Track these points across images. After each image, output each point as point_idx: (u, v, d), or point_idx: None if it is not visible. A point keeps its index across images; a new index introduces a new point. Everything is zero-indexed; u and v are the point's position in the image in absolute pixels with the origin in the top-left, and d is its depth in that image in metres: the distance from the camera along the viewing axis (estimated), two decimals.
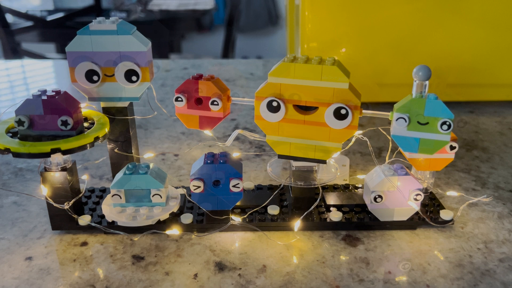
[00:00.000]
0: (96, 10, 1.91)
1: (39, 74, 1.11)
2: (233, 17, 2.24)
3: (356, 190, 0.50)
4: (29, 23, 1.96)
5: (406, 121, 0.39)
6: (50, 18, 1.96)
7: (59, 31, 2.01)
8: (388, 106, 0.77)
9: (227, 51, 2.28)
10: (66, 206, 0.43)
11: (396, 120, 0.40)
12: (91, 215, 0.46)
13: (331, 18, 0.72)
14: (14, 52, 1.92)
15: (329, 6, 0.72)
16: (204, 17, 2.83)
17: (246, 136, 0.61)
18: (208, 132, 0.57)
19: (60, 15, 1.97)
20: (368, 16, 0.72)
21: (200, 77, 0.44)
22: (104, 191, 0.50)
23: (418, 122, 0.39)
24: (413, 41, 0.74)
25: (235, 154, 0.47)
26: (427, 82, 0.40)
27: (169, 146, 0.65)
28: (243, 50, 3.45)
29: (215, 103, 0.43)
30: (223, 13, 3.32)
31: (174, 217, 0.46)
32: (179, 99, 0.43)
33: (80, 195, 0.44)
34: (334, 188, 0.51)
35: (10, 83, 1.04)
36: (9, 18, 1.95)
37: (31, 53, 1.96)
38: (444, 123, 0.38)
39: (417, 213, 0.45)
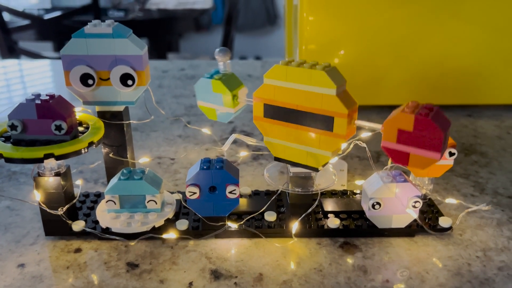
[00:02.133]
0: (94, 9, 1.89)
1: (36, 72, 1.10)
2: (232, 16, 2.24)
3: (354, 196, 0.50)
4: (26, 22, 1.95)
5: None
6: (47, 16, 1.95)
7: (56, 30, 2.00)
8: (387, 109, 0.77)
9: None
10: (60, 211, 0.42)
11: None
12: (85, 220, 0.45)
13: (329, 20, 0.72)
14: (11, 50, 1.91)
15: (327, 8, 0.71)
16: (202, 16, 2.83)
17: (243, 140, 0.60)
18: (206, 131, 0.56)
19: (57, 13, 1.96)
20: (367, 19, 0.72)
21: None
22: (99, 196, 0.49)
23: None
24: (412, 44, 0.73)
25: (243, 154, 0.46)
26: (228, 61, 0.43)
27: (166, 149, 0.64)
28: (241, 50, 3.45)
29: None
30: (221, 12, 3.31)
31: (170, 223, 0.45)
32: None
33: (74, 201, 0.44)
34: (332, 194, 0.50)
35: (7, 82, 1.03)
36: (6, 16, 1.94)
37: (28, 52, 1.95)
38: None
39: (415, 220, 0.44)
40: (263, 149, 0.64)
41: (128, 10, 2.21)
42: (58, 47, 2.35)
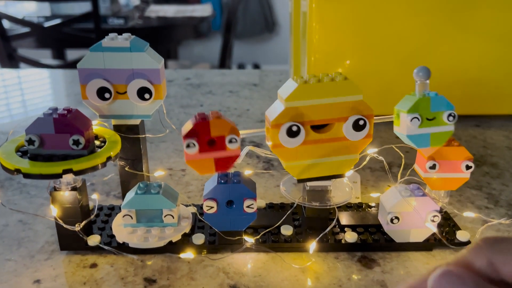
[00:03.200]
0: (94, 17, 1.89)
1: (34, 79, 1.10)
2: (231, 23, 2.24)
3: (369, 209, 0.49)
4: (26, 29, 1.94)
5: (419, 120, 0.41)
6: (47, 24, 1.95)
7: (56, 37, 1.99)
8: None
9: (225, 58, 2.28)
10: (77, 227, 0.42)
11: (411, 120, 0.41)
12: (100, 234, 0.45)
13: (339, 29, 0.72)
14: (10, 58, 1.90)
15: (337, 17, 0.71)
16: (202, 24, 2.83)
17: (254, 151, 0.60)
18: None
19: (57, 21, 1.95)
20: (376, 28, 0.72)
21: (204, 117, 0.38)
22: (112, 209, 0.49)
23: (427, 119, 0.42)
24: (419, 55, 0.73)
25: (247, 172, 0.46)
26: (427, 81, 0.42)
27: (176, 160, 0.64)
28: (239, 57, 3.45)
29: (234, 140, 0.39)
30: (219, 19, 3.32)
31: (185, 237, 0.45)
32: (191, 144, 0.37)
33: (92, 217, 0.43)
34: (347, 207, 0.50)
35: (5, 89, 1.02)
36: (6, 24, 1.93)
37: (27, 59, 1.94)
38: (450, 115, 0.42)
39: (433, 234, 0.44)
40: (273, 160, 0.64)
41: (128, 18, 2.21)
42: (57, 54, 2.35)
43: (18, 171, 0.38)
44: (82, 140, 0.39)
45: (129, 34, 0.43)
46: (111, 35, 0.43)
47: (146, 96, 0.43)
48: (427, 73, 0.42)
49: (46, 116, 0.39)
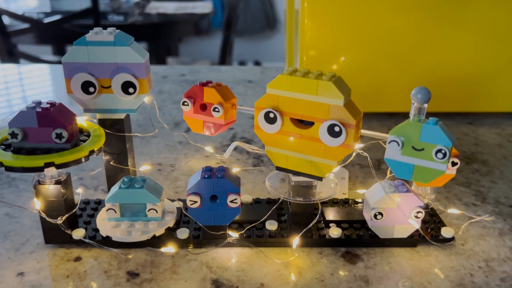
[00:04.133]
0: (94, 13, 1.89)
1: (35, 76, 1.10)
2: (231, 20, 2.24)
3: (356, 205, 0.49)
4: (26, 25, 1.95)
5: (399, 145, 0.38)
6: (47, 20, 1.95)
7: (56, 33, 2.00)
8: (386, 116, 0.77)
9: (225, 55, 2.28)
10: (59, 221, 0.42)
11: (389, 143, 0.38)
12: (86, 228, 0.45)
13: (331, 26, 0.72)
14: (10, 54, 1.91)
15: (329, 15, 0.71)
16: (202, 20, 2.83)
17: (243, 148, 0.60)
18: (208, 149, 0.56)
19: (57, 17, 1.96)
20: (368, 26, 0.72)
21: (207, 83, 0.44)
22: (99, 203, 0.49)
23: (413, 147, 0.37)
24: (413, 52, 0.73)
25: (235, 170, 0.47)
26: (425, 105, 0.38)
27: (166, 156, 0.64)
28: (240, 54, 3.45)
29: (216, 109, 0.43)
30: (220, 16, 3.32)
31: (170, 232, 0.45)
32: (186, 103, 0.44)
33: (74, 210, 0.43)
34: (333, 202, 0.50)
35: (6, 85, 1.03)
36: (6, 20, 1.94)
37: (27, 55, 1.94)
38: (439, 151, 0.36)
39: (417, 230, 0.44)
40: (263, 156, 0.64)
41: (127, 14, 2.21)
42: (57, 50, 2.35)
43: (0, 164, 0.38)
44: (65, 134, 0.40)
45: (114, 28, 0.43)
46: (96, 29, 0.43)
47: (131, 90, 0.43)
48: (426, 97, 0.37)
49: (29, 110, 0.40)
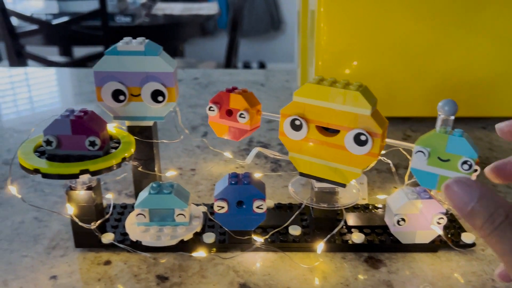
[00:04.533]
0: (102, 14, 1.91)
1: (41, 75, 1.11)
2: (237, 22, 2.25)
3: (376, 211, 0.50)
4: (34, 27, 1.96)
5: (425, 155, 0.39)
6: (55, 22, 1.96)
7: (64, 35, 2.01)
8: (400, 121, 0.78)
9: (230, 56, 2.29)
10: (93, 226, 0.43)
11: (415, 153, 0.39)
12: (114, 232, 0.46)
13: (347, 30, 0.73)
14: (19, 55, 1.92)
15: (345, 19, 0.72)
16: (208, 22, 2.84)
17: (262, 152, 0.61)
18: (228, 154, 0.57)
19: (65, 19, 1.97)
20: (384, 30, 0.73)
21: (233, 89, 0.45)
22: (125, 208, 0.50)
23: (439, 158, 0.38)
24: (427, 56, 0.74)
25: (257, 175, 0.48)
26: (452, 117, 0.39)
27: (185, 160, 0.65)
28: (244, 55, 3.46)
29: (242, 116, 0.44)
30: (225, 17, 3.33)
31: (196, 236, 0.46)
32: (212, 108, 0.45)
33: (107, 216, 0.45)
34: (354, 208, 0.51)
35: (12, 85, 1.04)
36: (14, 21, 1.95)
37: (35, 56, 1.96)
38: (465, 162, 0.37)
39: (438, 235, 0.45)
40: (281, 161, 0.65)
41: (134, 16, 2.22)
42: (64, 51, 2.36)
43: (37, 171, 0.39)
44: (98, 141, 0.41)
45: (143, 38, 0.44)
46: (126, 39, 0.44)
47: (160, 98, 0.44)
48: (453, 109, 0.38)
49: (63, 118, 0.41)
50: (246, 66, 3.53)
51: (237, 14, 2.26)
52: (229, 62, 2.29)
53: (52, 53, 2.37)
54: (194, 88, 0.96)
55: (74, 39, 2.10)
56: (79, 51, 2.39)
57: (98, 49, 2.04)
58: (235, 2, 2.70)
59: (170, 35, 2.23)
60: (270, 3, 3.46)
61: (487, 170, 0.40)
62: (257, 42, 3.58)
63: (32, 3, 2.43)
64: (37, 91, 1.01)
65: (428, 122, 0.77)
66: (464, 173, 0.38)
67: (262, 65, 3.51)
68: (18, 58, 1.93)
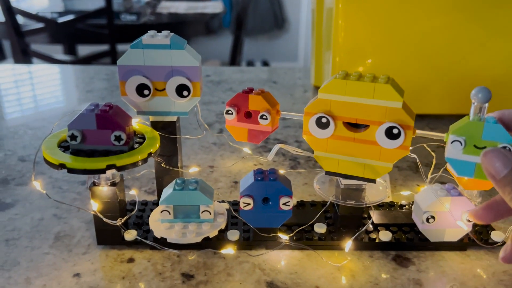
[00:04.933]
0: (107, 13, 1.90)
1: (45, 74, 1.10)
2: (241, 20, 2.24)
3: (401, 209, 0.50)
4: (39, 25, 1.95)
5: (462, 144, 0.38)
6: (61, 20, 1.96)
7: (69, 33, 2.00)
8: (418, 118, 0.77)
9: (235, 55, 2.28)
10: (118, 222, 0.42)
11: (452, 142, 0.38)
12: (136, 229, 0.45)
13: (365, 27, 0.72)
14: (24, 53, 1.92)
15: (363, 16, 0.71)
16: (213, 20, 2.83)
17: (280, 149, 0.60)
18: (246, 150, 0.56)
19: (70, 17, 1.96)
20: (402, 27, 0.72)
21: (250, 91, 0.43)
22: (146, 205, 0.49)
23: (475, 146, 0.38)
24: (446, 54, 0.73)
25: (281, 172, 0.47)
26: (486, 105, 0.39)
27: (203, 157, 0.65)
28: (248, 54, 3.45)
29: (264, 117, 0.42)
30: (229, 16, 3.32)
31: (220, 233, 0.45)
32: (230, 112, 0.43)
33: (133, 213, 0.44)
34: (379, 206, 0.50)
35: (16, 83, 1.03)
36: (20, 19, 1.94)
37: (41, 54, 1.95)
38: (503, 148, 0.37)
39: (467, 233, 0.44)
40: (299, 158, 0.64)
41: (140, 14, 2.22)
42: (69, 50, 2.36)
43: (62, 166, 0.38)
44: (123, 136, 0.40)
45: (168, 31, 0.43)
46: (151, 32, 0.43)
47: (185, 93, 0.43)
48: (487, 96, 0.38)
49: (88, 112, 0.40)
50: (250, 65, 3.52)
51: (242, 13, 2.25)
52: (234, 61, 2.28)
53: (57, 51, 2.36)
54: (206, 85, 0.95)
55: (80, 37, 2.09)
56: (84, 50, 2.38)
57: (104, 47, 2.04)
58: (239, 1, 2.69)
59: (175, 34, 2.21)
60: (274, 2, 3.45)
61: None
62: (261, 41, 3.57)
63: (38, 1, 2.42)
64: (47, 89, 1.00)
65: (446, 119, 0.76)
66: None
67: (265, 64, 3.50)
68: (24, 56, 1.92)
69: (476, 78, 0.75)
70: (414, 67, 0.74)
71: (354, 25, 0.72)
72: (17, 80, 1.05)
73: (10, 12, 1.83)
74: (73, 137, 0.40)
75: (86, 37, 2.07)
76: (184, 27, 2.27)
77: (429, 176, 0.48)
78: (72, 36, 2.09)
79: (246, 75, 1.04)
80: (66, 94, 0.97)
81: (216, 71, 1.06)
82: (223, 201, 0.50)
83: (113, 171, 0.39)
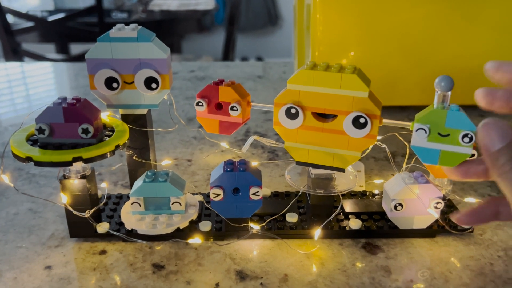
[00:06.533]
0: (98, 11, 1.90)
1: (38, 74, 1.10)
2: (234, 17, 2.24)
3: (373, 198, 0.50)
4: (30, 24, 1.95)
5: (426, 132, 0.38)
6: (51, 18, 1.96)
7: (60, 31, 2.00)
8: (398, 110, 0.77)
9: (228, 51, 2.28)
10: (87, 214, 0.42)
11: (416, 131, 0.39)
12: (109, 222, 0.46)
13: (343, 20, 0.72)
14: (15, 52, 1.91)
15: (341, 9, 0.71)
16: (205, 17, 2.83)
17: (258, 141, 0.61)
18: (224, 144, 0.57)
19: (61, 15, 1.96)
20: (381, 19, 0.72)
21: (221, 82, 0.43)
22: (120, 198, 0.50)
23: (439, 134, 0.39)
24: (424, 45, 0.74)
25: (253, 163, 0.47)
26: (449, 93, 0.39)
27: (182, 151, 0.65)
28: (242, 50, 3.45)
29: (234, 108, 0.42)
30: (222, 13, 3.32)
31: (192, 225, 0.45)
32: (200, 103, 0.43)
33: (101, 204, 0.44)
34: (351, 195, 0.51)
35: (9, 83, 1.03)
36: (10, 18, 1.94)
37: (31, 53, 1.95)
38: (465, 135, 0.38)
39: (436, 220, 0.45)
40: (277, 150, 0.64)
41: (131, 12, 2.21)
42: (61, 49, 2.35)
43: (29, 159, 0.39)
44: (91, 129, 0.40)
45: (136, 24, 0.44)
46: (118, 25, 0.43)
47: (153, 85, 0.44)
48: (449, 84, 0.39)
49: (55, 106, 0.40)
50: (244, 61, 3.52)
51: (234, 9, 2.25)
52: (227, 57, 2.28)
53: (49, 50, 2.36)
54: (190, 80, 0.96)
55: (70, 35, 2.09)
56: (76, 48, 2.38)
57: None
58: None
59: (167, 31, 2.22)
60: None
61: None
62: (255, 37, 3.57)
63: (28, 0, 2.42)
64: (33, 85, 1.00)
65: None
66: (465, 146, 0.38)
67: (259, 61, 3.50)
68: (14, 55, 1.92)
69: (456, 69, 0.75)
70: (394, 59, 0.75)
71: (332, 19, 0.72)
72: (9, 74, 1.05)
73: (0, 11, 1.82)
74: (41, 130, 0.40)
75: (77, 36, 2.07)
76: (176, 24, 2.28)
77: (404, 165, 0.48)
78: (63, 35, 2.09)
79: (231, 70, 1.05)
80: (57, 90, 0.98)
81: (201, 66, 1.07)
82: (196, 194, 0.50)
83: (82, 164, 0.40)
